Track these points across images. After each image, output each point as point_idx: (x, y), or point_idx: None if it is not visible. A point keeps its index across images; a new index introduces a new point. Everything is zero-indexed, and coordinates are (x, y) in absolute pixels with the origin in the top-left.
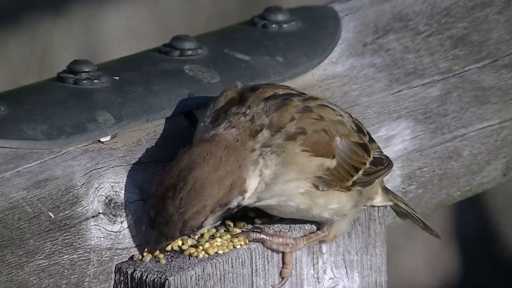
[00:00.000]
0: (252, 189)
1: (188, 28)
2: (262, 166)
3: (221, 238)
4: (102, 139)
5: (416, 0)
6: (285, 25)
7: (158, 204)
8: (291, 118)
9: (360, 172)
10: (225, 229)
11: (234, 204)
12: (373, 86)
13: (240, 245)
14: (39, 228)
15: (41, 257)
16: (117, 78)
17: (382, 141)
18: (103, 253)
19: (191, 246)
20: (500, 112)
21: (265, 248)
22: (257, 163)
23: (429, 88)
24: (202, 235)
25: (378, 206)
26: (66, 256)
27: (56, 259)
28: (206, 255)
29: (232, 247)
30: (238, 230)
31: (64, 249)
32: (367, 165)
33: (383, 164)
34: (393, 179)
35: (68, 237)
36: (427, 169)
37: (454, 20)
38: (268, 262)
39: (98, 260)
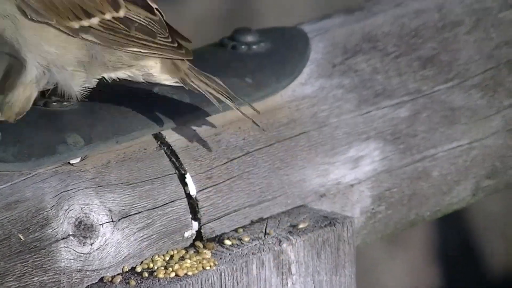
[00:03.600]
0: None
1: None
2: None
3: (190, 260)
4: (71, 161)
5: (386, 20)
6: (254, 46)
7: None
8: None
9: (94, 20)
10: (194, 250)
11: None
12: (342, 107)
13: (210, 266)
14: (9, 250)
15: (11, 279)
16: (86, 100)
17: (351, 162)
18: (73, 275)
19: (161, 267)
20: (469, 132)
21: (235, 269)
22: None
23: (398, 109)
24: (171, 256)
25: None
26: (36, 278)
27: (26, 281)
28: (176, 276)
29: (201, 268)
30: (207, 252)
31: (34, 271)
32: (108, 17)
33: (155, 37)
34: (363, 200)
35: (38, 259)
36: (396, 189)
37: (422, 40)
38: (237, 283)
39: (68, 282)
